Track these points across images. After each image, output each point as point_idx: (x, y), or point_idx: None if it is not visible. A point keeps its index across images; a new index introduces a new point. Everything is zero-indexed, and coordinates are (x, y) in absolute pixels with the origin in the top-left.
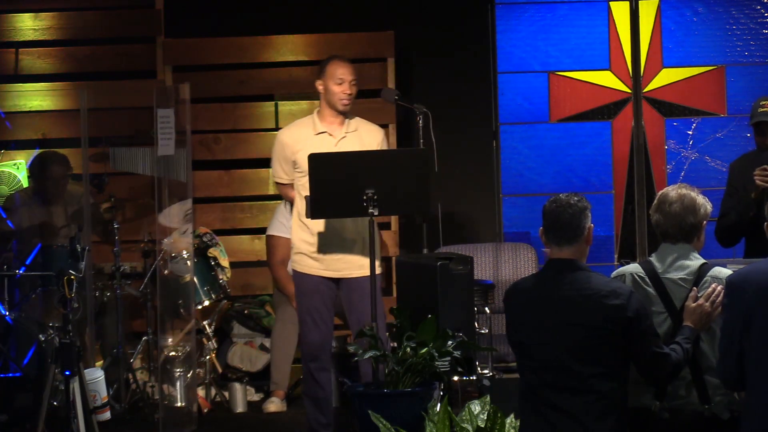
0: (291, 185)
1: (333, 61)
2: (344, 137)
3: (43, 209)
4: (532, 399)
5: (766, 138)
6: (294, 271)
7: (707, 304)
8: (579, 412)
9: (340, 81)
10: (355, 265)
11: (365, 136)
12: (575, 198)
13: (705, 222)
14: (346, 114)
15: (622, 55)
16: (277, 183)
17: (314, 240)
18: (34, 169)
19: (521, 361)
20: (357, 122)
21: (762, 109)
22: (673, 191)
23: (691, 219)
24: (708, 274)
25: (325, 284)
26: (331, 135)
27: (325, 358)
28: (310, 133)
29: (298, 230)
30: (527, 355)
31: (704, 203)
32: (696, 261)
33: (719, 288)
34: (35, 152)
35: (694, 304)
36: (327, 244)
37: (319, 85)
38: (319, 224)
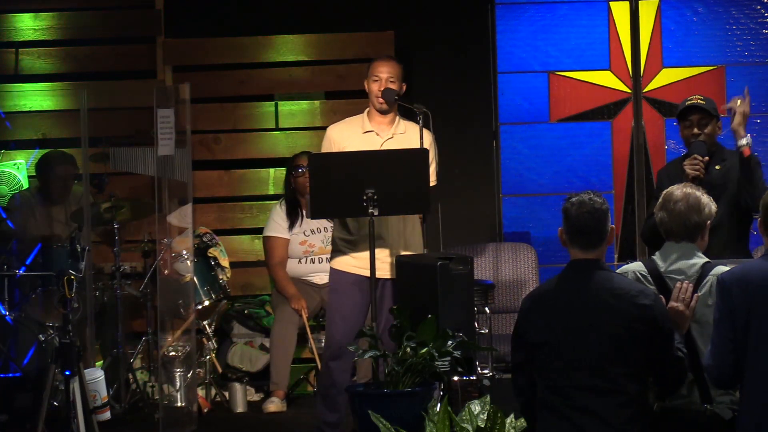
0: None
1: (375, 60)
2: (391, 138)
3: (45, 209)
4: (554, 401)
5: (695, 126)
6: (331, 268)
7: (678, 305)
8: (609, 414)
9: (376, 79)
10: (390, 265)
11: (414, 140)
12: (598, 200)
13: (709, 222)
14: (384, 112)
15: (622, 55)
16: None
17: (354, 238)
18: (40, 169)
19: (546, 363)
20: (407, 125)
21: (689, 102)
22: (678, 190)
23: (696, 218)
24: (710, 272)
25: (362, 284)
26: (378, 135)
27: (348, 358)
28: (358, 131)
29: (338, 228)
30: (553, 357)
31: (709, 203)
32: (699, 260)
33: (685, 284)
34: (36, 152)
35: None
36: (367, 242)
37: (365, 85)
38: (360, 222)
